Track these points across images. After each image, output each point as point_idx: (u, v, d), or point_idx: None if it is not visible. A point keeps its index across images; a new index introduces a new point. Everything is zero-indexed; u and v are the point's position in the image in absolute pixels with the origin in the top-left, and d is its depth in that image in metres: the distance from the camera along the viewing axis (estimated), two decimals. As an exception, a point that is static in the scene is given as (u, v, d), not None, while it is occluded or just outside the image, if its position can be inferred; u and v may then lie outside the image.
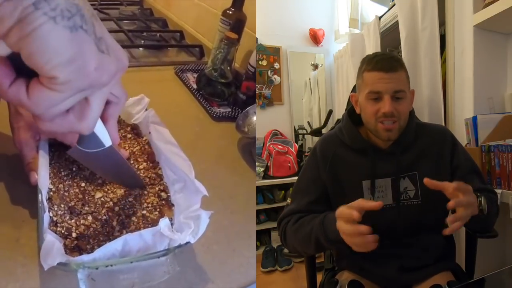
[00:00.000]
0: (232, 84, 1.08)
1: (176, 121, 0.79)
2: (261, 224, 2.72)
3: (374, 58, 0.95)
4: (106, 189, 0.66)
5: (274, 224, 2.71)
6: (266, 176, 2.73)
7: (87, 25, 0.38)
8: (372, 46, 1.96)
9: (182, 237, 0.54)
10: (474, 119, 1.25)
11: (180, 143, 0.70)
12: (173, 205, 0.66)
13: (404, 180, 0.97)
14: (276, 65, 3.03)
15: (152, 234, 0.54)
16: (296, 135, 3.11)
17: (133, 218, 0.62)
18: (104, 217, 0.61)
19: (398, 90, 0.91)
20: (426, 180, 0.78)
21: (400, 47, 1.62)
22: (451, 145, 0.99)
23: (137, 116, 0.79)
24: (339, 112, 2.71)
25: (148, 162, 0.72)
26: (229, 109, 1.00)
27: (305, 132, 3.10)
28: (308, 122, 3.17)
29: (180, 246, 0.54)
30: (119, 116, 0.83)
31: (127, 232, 0.59)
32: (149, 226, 0.61)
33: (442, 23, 1.47)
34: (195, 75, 1.06)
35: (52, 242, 0.49)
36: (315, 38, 3.15)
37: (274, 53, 3.02)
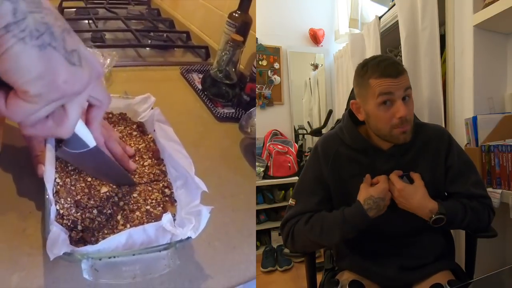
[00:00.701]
0: (236, 86, 1.09)
1: (180, 120, 0.81)
2: (261, 224, 2.72)
3: (379, 64, 0.92)
4: (111, 184, 0.68)
5: (274, 224, 2.72)
6: (266, 176, 2.73)
7: (56, 42, 0.42)
8: (372, 46, 1.96)
9: (183, 232, 0.56)
10: (474, 119, 1.25)
11: (184, 142, 0.72)
12: (175, 201, 0.68)
13: (403, 180, 0.97)
14: (276, 65, 3.04)
15: (155, 228, 0.56)
16: (296, 135, 3.11)
17: (137, 213, 0.64)
18: (109, 211, 0.63)
19: (407, 94, 0.91)
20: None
21: (400, 47, 1.62)
22: (447, 144, 0.99)
23: (143, 114, 0.81)
24: (339, 112, 2.71)
25: (153, 159, 0.74)
26: (233, 110, 1.01)
27: (305, 132, 3.10)
28: (308, 122, 3.17)
29: (181, 241, 0.56)
30: (125, 114, 0.85)
31: (131, 226, 0.60)
32: (153, 221, 0.62)
33: (442, 23, 1.47)
34: (200, 75, 1.08)
35: (58, 233, 0.51)
36: (315, 38, 3.15)
37: (274, 53, 3.02)
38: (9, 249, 0.57)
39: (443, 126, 1.40)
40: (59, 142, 0.62)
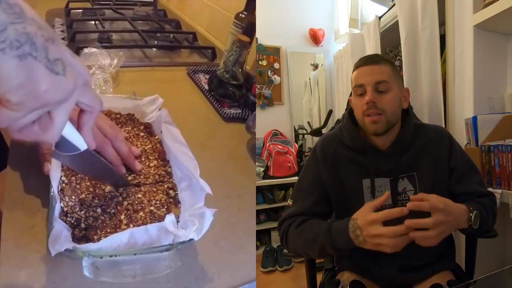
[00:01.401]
0: (243, 86, 1.09)
1: (187, 120, 0.82)
2: (261, 224, 2.72)
3: (361, 59, 0.97)
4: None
5: (274, 224, 2.72)
6: (266, 176, 2.73)
7: (37, 52, 0.43)
8: (372, 46, 1.96)
9: (186, 233, 0.56)
10: (474, 119, 1.25)
11: (190, 142, 0.72)
12: (179, 202, 0.68)
13: (403, 181, 0.97)
14: (276, 65, 3.04)
15: (157, 229, 0.56)
16: (296, 135, 3.11)
17: (141, 214, 0.65)
18: (113, 211, 0.64)
19: (380, 81, 0.91)
20: (411, 198, 0.81)
21: (400, 47, 1.63)
22: (448, 145, 0.99)
23: (151, 115, 0.81)
24: (339, 112, 2.71)
25: (159, 160, 0.75)
26: (240, 111, 1.01)
27: (305, 132, 3.10)
28: (308, 122, 3.17)
29: (183, 242, 0.56)
30: (133, 115, 0.86)
31: (134, 226, 0.61)
32: (156, 221, 0.63)
33: (442, 23, 1.47)
34: (207, 76, 1.08)
35: (61, 230, 0.52)
36: (315, 38, 3.16)
37: (274, 53, 3.03)
38: (17, 246, 0.58)
39: (443, 126, 1.40)
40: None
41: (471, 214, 0.83)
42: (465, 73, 1.37)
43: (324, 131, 2.54)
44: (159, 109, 0.83)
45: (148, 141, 0.79)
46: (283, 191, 2.73)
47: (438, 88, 1.43)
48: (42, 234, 0.59)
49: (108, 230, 0.60)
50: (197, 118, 0.92)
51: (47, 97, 0.44)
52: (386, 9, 2.06)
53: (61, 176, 0.64)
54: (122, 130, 0.80)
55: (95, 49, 1.11)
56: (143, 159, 0.75)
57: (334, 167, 0.99)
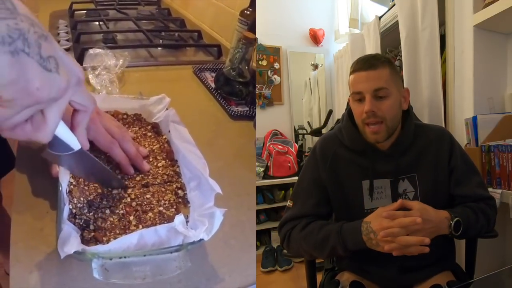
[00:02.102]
0: (249, 83, 1.07)
1: (194, 119, 0.82)
2: (261, 224, 2.72)
3: (357, 61, 0.95)
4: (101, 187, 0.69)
5: (274, 224, 2.72)
6: (266, 176, 2.73)
7: (30, 48, 0.42)
8: (372, 46, 1.97)
9: (196, 234, 0.56)
10: (474, 119, 1.25)
11: (198, 141, 0.72)
12: (189, 202, 0.68)
13: (404, 182, 0.97)
14: (276, 65, 3.04)
15: (167, 230, 0.56)
16: (296, 135, 3.11)
17: (150, 214, 0.64)
18: (122, 212, 0.64)
19: (379, 88, 0.90)
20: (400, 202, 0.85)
21: (400, 47, 1.63)
22: (449, 146, 0.99)
23: (158, 115, 0.81)
24: (339, 112, 2.72)
25: (167, 160, 0.75)
26: (247, 108, 1.00)
27: (305, 132, 3.10)
28: (308, 122, 3.17)
29: (193, 243, 0.56)
30: (140, 115, 0.86)
31: (143, 227, 0.61)
32: (165, 222, 0.62)
33: (442, 23, 1.47)
34: (213, 74, 1.08)
35: (69, 232, 0.52)
36: (315, 38, 3.16)
37: (274, 53, 3.03)
38: (27, 249, 0.58)
39: (443, 126, 1.41)
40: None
41: (451, 222, 0.86)
42: (465, 73, 1.38)
43: (324, 131, 2.55)
44: (166, 109, 0.83)
45: (156, 141, 0.79)
46: (283, 191, 2.73)
47: (438, 88, 1.44)
48: (51, 237, 0.60)
49: (117, 232, 0.60)
50: (204, 117, 0.92)
51: (39, 94, 0.43)
52: (386, 9, 2.06)
53: (69, 178, 0.64)
54: (129, 130, 0.80)
55: (100, 50, 1.11)
56: (151, 159, 0.75)
57: (334, 168, 0.99)
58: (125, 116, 0.84)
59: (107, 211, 0.63)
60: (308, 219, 0.97)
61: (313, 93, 3.27)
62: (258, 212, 2.73)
